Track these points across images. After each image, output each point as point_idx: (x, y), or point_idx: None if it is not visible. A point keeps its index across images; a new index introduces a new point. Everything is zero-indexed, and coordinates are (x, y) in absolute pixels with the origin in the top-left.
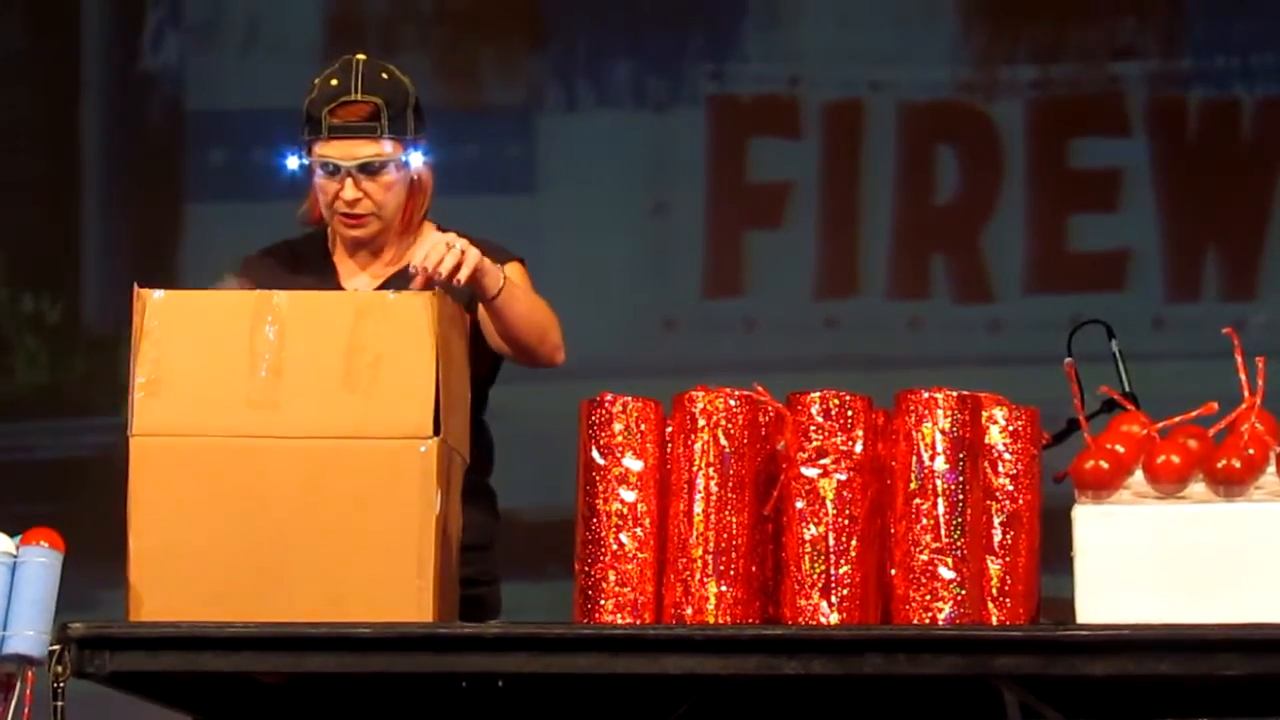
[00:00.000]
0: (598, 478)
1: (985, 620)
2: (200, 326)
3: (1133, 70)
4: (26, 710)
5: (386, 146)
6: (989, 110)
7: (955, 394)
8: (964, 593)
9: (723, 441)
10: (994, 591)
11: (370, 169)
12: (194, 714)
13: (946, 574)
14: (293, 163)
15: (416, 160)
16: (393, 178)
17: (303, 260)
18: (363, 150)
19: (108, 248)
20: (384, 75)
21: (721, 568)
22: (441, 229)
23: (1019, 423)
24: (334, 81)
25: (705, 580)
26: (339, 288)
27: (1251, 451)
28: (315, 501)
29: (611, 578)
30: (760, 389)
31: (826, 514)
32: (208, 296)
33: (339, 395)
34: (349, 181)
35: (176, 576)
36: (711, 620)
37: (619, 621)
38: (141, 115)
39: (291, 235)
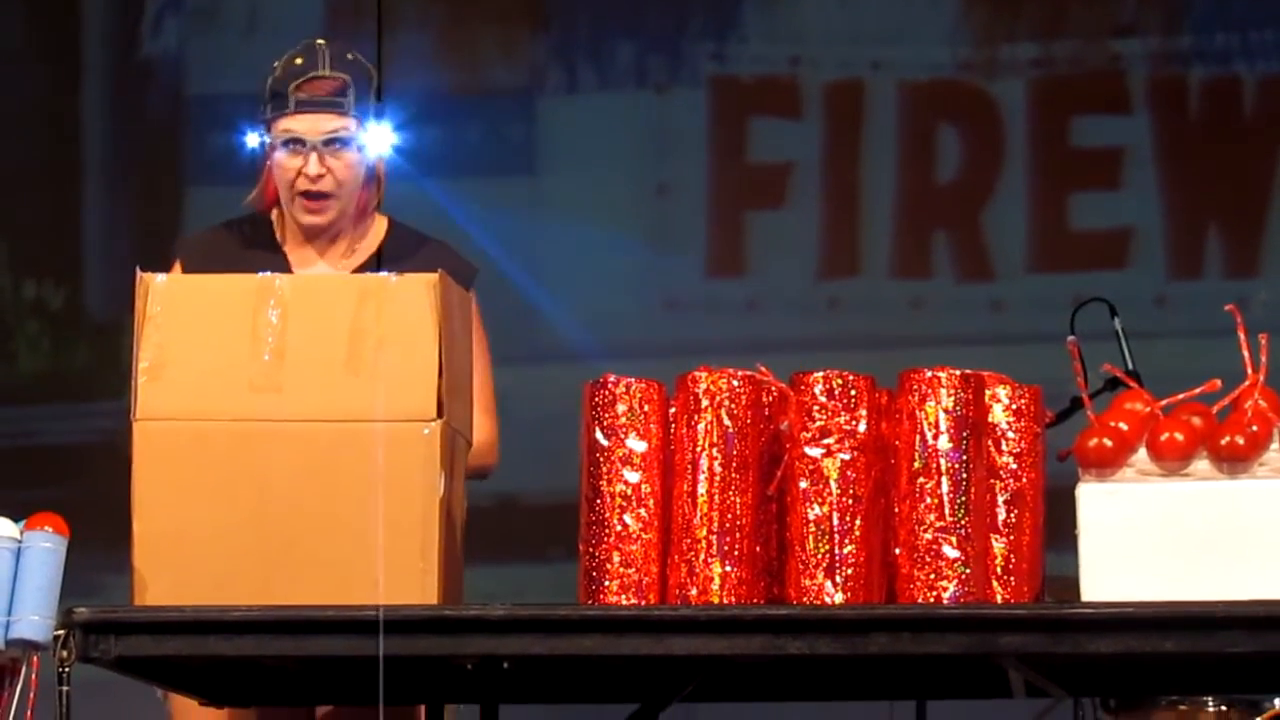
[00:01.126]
0: (601, 459)
1: (990, 599)
2: (203, 311)
3: (1134, 48)
4: (32, 695)
5: (351, 124)
6: (990, 89)
7: (958, 373)
8: (968, 571)
9: (726, 422)
10: (998, 570)
11: (334, 144)
12: (199, 698)
13: (951, 553)
14: (252, 140)
15: (378, 140)
16: (354, 158)
17: (251, 245)
18: (329, 124)
19: (110, 233)
20: (349, 56)
21: (726, 548)
22: (397, 224)
23: (1022, 401)
24: (299, 60)
25: (710, 561)
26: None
27: (1255, 428)
28: (319, 485)
29: (616, 559)
30: (763, 369)
31: (830, 494)
32: (210, 281)
33: (342, 378)
34: (313, 157)
35: (181, 561)
36: (716, 601)
37: (624, 603)
38: (142, 100)
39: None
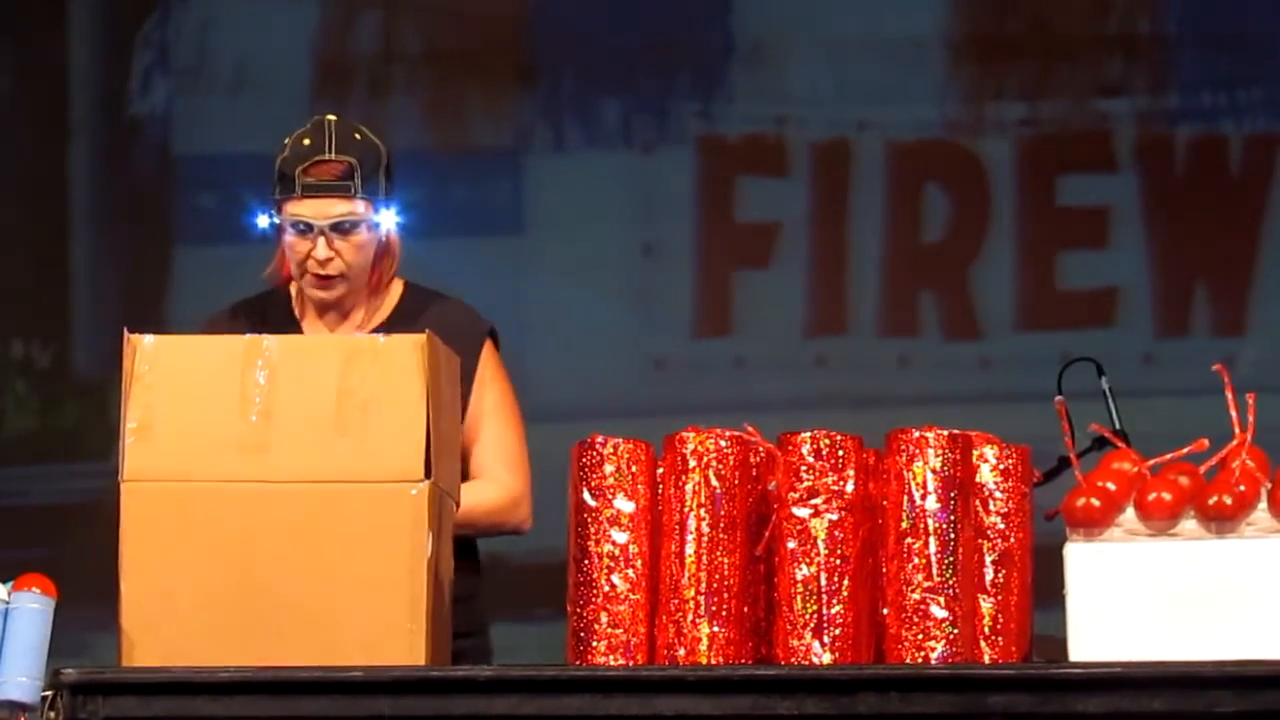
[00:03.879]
0: (589, 519)
1: (978, 659)
2: (191, 371)
3: (1120, 107)
4: None
5: (359, 206)
6: (977, 148)
7: (946, 433)
8: (956, 631)
9: (714, 482)
10: (986, 630)
11: (343, 228)
12: None
13: (939, 613)
14: (263, 221)
15: (388, 221)
16: (364, 238)
17: (268, 321)
18: (336, 209)
19: (97, 292)
20: (357, 135)
21: (714, 608)
22: (412, 286)
23: (1010, 461)
24: (306, 141)
25: (698, 621)
26: None
27: (1243, 488)
28: (307, 545)
29: (604, 619)
30: (751, 429)
31: (818, 554)
32: (198, 341)
33: (330, 439)
34: (321, 241)
35: (169, 621)
36: (704, 661)
37: (611, 663)
38: (130, 159)
39: (252, 293)
